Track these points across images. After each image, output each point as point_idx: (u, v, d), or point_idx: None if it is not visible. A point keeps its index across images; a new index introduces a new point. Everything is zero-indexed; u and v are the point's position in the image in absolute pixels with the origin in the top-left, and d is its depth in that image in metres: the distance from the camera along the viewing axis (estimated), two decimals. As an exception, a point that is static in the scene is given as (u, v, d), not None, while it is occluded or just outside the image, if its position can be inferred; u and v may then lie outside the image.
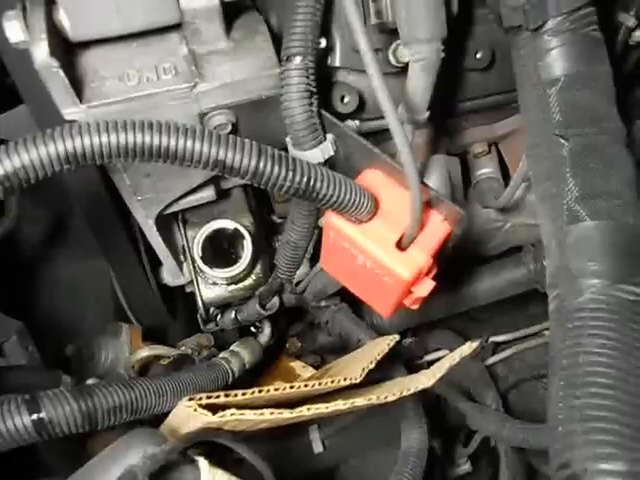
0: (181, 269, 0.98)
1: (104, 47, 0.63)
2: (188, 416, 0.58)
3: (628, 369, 0.46)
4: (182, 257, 0.96)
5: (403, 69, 0.70)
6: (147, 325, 1.10)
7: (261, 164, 0.53)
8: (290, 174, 0.55)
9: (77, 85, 0.60)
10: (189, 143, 0.51)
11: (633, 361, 0.47)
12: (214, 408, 0.57)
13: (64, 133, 0.48)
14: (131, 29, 0.61)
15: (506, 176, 0.98)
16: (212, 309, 1.02)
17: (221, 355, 0.92)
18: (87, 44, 0.62)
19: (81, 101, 0.61)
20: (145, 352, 1.07)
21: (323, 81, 0.72)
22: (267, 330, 1.02)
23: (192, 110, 0.65)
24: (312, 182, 0.56)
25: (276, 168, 0.54)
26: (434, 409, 1.07)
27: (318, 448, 0.98)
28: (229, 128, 0.67)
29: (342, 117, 0.74)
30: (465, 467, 1.07)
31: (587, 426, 0.44)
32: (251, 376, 1.04)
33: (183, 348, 1.10)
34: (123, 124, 0.50)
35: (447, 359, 0.66)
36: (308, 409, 0.57)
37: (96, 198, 0.83)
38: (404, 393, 0.61)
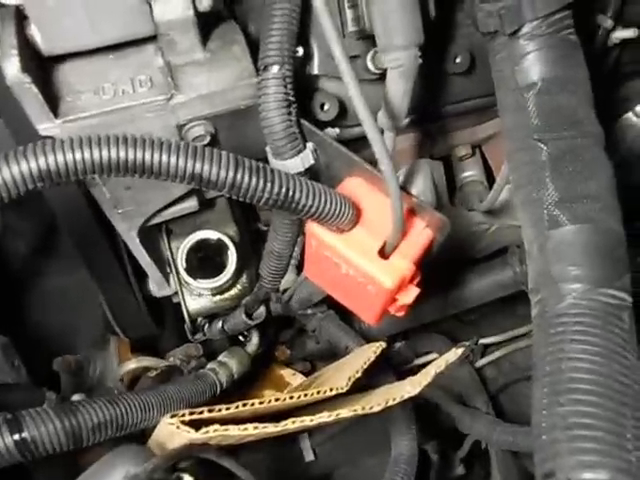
0: (167, 280, 0.97)
1: (78, 61, 0.62)
2: (171, 433, 0.58)
3: (611, 374, 0.46)
4: (168, 268, 0.95)
5: (382, 75, 0.69)
6: (134, 337, 1.09)
7: (238, 176, 0.53)
8: (268, 185, 0.54)
9: (52, 100, 0.60)
10: (164, 157, 0.50)
11: (616, 366, 0.46)
12: (198, 424, 0.56)
13: (37, 151, 0.48)
14: (105, 42, 0.60)
15: (491, 178, 0.98)
16: (199, 319, 1.01)
17: (209, 366, 0.92)
18: (61, 58, 0.61)
19: (56, 116, 0.60)
20: (133, 364, 1.06)
21: (302, 89, 0.71)
22: (255, 339, 1.01)
23: (169, 122, 0.64)
24: (291, 193, 0.56)
25: (254, 180, 0.54)
26: (426, 412, 1.07)
27: (309, 456, 0.97)
28: (208, 139, 0.66)
29: (323, 125, 0.74)
30: (458, 470, 1.07)
31: (571, 434, 0.43)
32: (240, 385, 1.03)
33: (172, 359, 1.09)
34: (97, 140, 0.49)
35: (432, 366, 0.65)
36: (293, 422, 0.57)
37: (77, 211, 0.82)
38: (389, 403, 0.61)
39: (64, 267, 1.22)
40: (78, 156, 0.48)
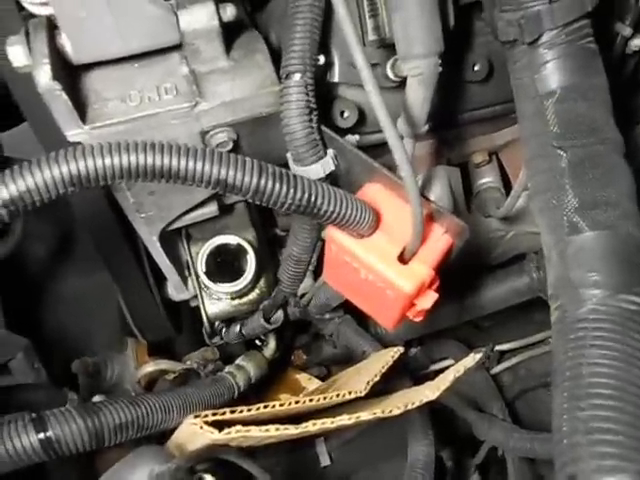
0: (186, 284, 0.98)
1: (106, 69, 0.64)
2: (194, 433, 0.59)
3: (631, 380, 0.46)
4: (187, 272, 0.96)
5: (401, 83, 0.70)
6: (152, 340, 1.11)
7: (262, 182, 0.54)
8: (291, 191, 0.55)
9: (80, 107, 0.61)
10: (191, 163, 0.52)
11: (636, 371, 0.47)
12: (220, 425, 0.57)
13: (68, 156, 0.49)
14: (132, 51, 0.62)
15: (507, 185, 0.98)
16: (217, 323, 1.03)
17: (227, 369, 0.93)
18: (89, 66, 0.63)
19: (84, 123, 0.62)
20: (150, 367, 1.07)
21: (323, 97, 0.72)
22: (272, 343, 1.02)
23: (193, 129, 0.65)
24: (313, 199, 0.57)
25: (277, 186, 0.55)
26: (442, 418, 1.07)
27: (325, 461, 0.98)
28: (230, 145, 0.67)
29: (342, 132, 0.75)
30: (473, 477, 1.06)
31: (592, 438, 0.44)
32: (257, 389, 1.04)
33: (188, 362, 1.11)
34: (126, 146, 0.50)
35: (451, 371, 0.66)
36: (314, 424, 0.57)
37: (99, 215, 0.84)
38: (409, 407, 0.61)
39: (82, 270, 1.24)
40: (108, 162, 0.50)
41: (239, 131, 0.68)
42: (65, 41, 0.59)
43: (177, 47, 0.65)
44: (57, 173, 0.49)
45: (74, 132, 0.61)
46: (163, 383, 1.05)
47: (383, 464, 0.98)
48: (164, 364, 1.10)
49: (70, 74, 0.62)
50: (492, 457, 1.06)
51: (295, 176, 0.57)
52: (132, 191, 0.72)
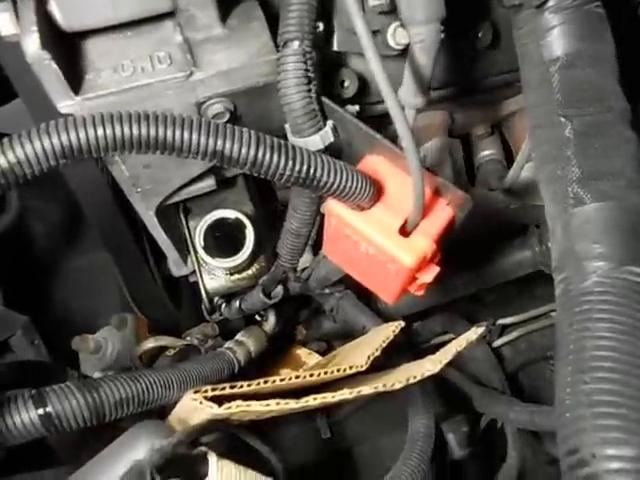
0: (185, 259, 0.97)
1: (98, 38, 0.62)
2: (194, 408, 0.58)
3: (635, 352, 0.45)
4: (185, 247, 0.95)
5: (402, 52, 0.68)
6: (152, 316, 1.10)
7: (260, 153, 0.53)
8: (290, 163, 0.54)
9: (71, 77, 0.59)
10: (186, 134, 0.50)
11: (640, 343, 0.46)
12: (220, 400, 0.57)
13: (59, 127, 0.48)
14: (124, 18, 0.60)
15: (509, 158, 0.97)
16: (217, 299, 1.02)
17: (226, 345, 0.92)
18: (80, 35, 0.61)
19: (76, 93, 0.60)
20: (150, 343, 1.07)
21: (322, 66, 0.70)
22: (272, 318, 1.02)
23: (189, 99, 0.64)
24: (312, 170, 0.55)
25: (275, 157, 0.53)
26: (442, 391, 1.07)
27: (326, 434, 0.98)
28: (227, 116, 0.66)
29: (343, 102, 0.73)
30: (474, 449, 1.07)
31: (595, 411, 0.43)
32: (257, 364, 1.04)
33: (188, 338, 1.10)
34: (119, 116, 0.49)
35: (453, 344, 0.65)
36: (314, 399, 0.57)
37: (95, 191, 0.83)
38: (410, 381, 0.61)
39: (83, 248, 1.24)
40: (100, 132, 0.48)
41: (236, 101, 0.66)
42: (54, 8, 0.57)
43: (171, 14, 0.63)
44: (48, 144, 0.47)
45: (65, 103, 0.59)
46: (163, 359, 1.05)
47: (384, 437, 0.98)
48: (164, 340, 1.09)
49: (60, 43, 0.60)
50: (493, 429, 1.06)
51: (294, 147, 0.55)
52: (127, 164, 0.71)
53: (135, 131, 0.49)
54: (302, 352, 1.10)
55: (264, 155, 0.53)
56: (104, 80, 0.61)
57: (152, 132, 0.49)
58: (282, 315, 1.07)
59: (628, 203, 0.52)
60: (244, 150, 0.52)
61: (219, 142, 0.51)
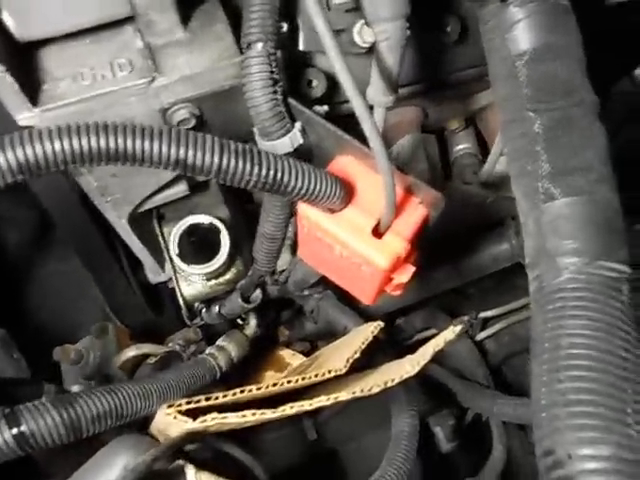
0: (163, 266, 0.96)
1: (55, 46, 0.60)
2: (169, 423, 0.57)
3: (611, 349, 0.45)
4: (161, 254, 0.94)
5: (371, 49, 0.67)
6: (132, 324, 1.09)
7: (224, 160, 0.51)
8: (255, 168, 0.53)
9: (29, 89, 0.58)
10: (146, 144, 0.49)
11: (616, 341, 0.46)
12: (195, 412, 0.56)
13: (14, 142, 0.46)
14: (81, 25, 0.58)
15: (484, 151, 0.96)
16: (197, 304, 1.01)
17: (207, 351, 0.91)
18: (37, 44, 0.59)
19: (35, 105, 0.58)
20: (132, 352, 1.05)
21: (289, 66, 0.69)
22: (253, 322, 1.01)
23: (152, 106, 0.62)
24: (279, 175, 0.54)
25: (240, 163, 0.52)
26: (428, 386, 1.07)
27: (312, 435, 0.97)
28: (193, 122, 0.64)
29: (312, 102, 0.72)
30: (460, 442, 1.07)
31: (570, 410, 0.43)
32: (241, 367, 1.03)
33: (171, 344, 1.09)
34: (76, 128, 0.47)
35: (431, 345, 0.65)
36: (291, 407, 0.56)
37: (65, 201, 0.81)
38: (389, 384, 0.60)
39: (60, 256, 1.21)
40: (57, 146, 0.47)
41: (202, 106, 0.65)
42: (7, 18, 0.55)
43: (130, 19, 0.61)
44: (3, 161, 0.46)
45: (24, 116, 0.58)
46: (144, 368, 1.03)
47: (370, 436, 0.98)
48: (146, 348, 1.08)
49: (15, 54, 0.58)
50: (478, 422, 1.06)
51: (260, 152, 0.54)
52: (94, 175, 0.69)
53: (93, 143, 0.47)
54: (286, 353, 1.10)
55: (228, 162, 0.51)
56: (63, 90, 0.59)
57: (111, 143, 0.48)
58: (264, 318, 1.06)
59: (599, 197, 0.52)
60: (207, 158, 0.51)
61: (181, 150, 0.50)
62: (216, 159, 0.51)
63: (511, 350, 1.13)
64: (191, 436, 0.59)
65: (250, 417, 0.54)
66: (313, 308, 0.97)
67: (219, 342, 0.94)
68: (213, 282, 0.88)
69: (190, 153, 0.50)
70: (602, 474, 0.40)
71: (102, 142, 0.48)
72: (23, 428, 0.61)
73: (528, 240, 0.54)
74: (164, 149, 0.49)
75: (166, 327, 1.16)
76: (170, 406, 0.57)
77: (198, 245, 0.89)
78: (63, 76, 0.59)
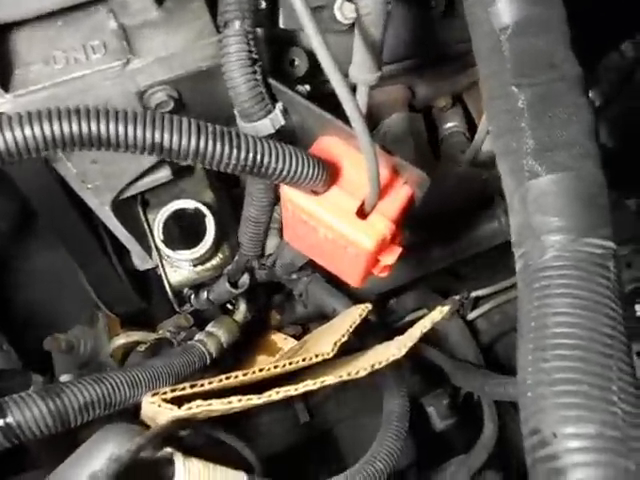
0: (150, 253, 0.95)
1: (25, 29, 0.58)
2: (156, 411, 0.57)
3: (597, 327, 0.44)
4: (148, 240, 0.93)
5: (352, 26, 0.66)
6: (121, 312, 1.08)
7: (202, 143, 0.50)
8: (235, 151, 0.52)
9: (0, 74, 0.56)
10: (120, 128, 0.47)
11: (602, 319, 0.45)
12: (181, 400, 0.55)
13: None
14: (51, 7, 0.56)
15: (473, 129, 0.95)
16: (185, 290, 1.00)
17: (196, 337, 0.91)
18: (6, 27, 0.57)
19: (6, 91, 0.57)
20: (122, 339, 1.05)
21: (270, 45, 0.68)
22: (242, 307, 1.00)
23: (128, 89, 0.61)
24: (259, 157, 0.53)
25: (218, 146, 0.51)
26: (420, 366, 1.07)
27: (305, 417, 0.97)
28: (171, 105, 0.63)
29: (294, 82, 0.70)
30: (453, 420, 1.07)
31: (556, 389, 0.42)
32: (232, 353, 1.03)
33: (161, 331, 1.09)
34: (47, 114, 0.46)
35: (418, 327, 0.64)
36: (277, 392, 0.56)
37: (46, 189, 0.79)
38: (376, 367, 0.60)
39: (48, 245, 1.20)
40: (28, 132, 0.46)
41: (180, 88, 0.63)
42: (-26, 0, 0.53)
43: (103, 0, 0.59)
44: (-29, 149, 0.44)
45: (-4, 102, 0.56)
46: (135, 355, 1.03)
47: (362, 417, 0.98)
48: (136, 335, 1.07)
49: (-16, 38, 0.56)
50: (470, 401, 1.07)
51: (238, 135, 0.53)
52: (72, 161, 0.68)
53: (66, 128, 0.46)
54: (277, 337, 1.09)
55: (206, 145, 0.50)
56: (35, 74, 0.57)
57: (84, 128, 0.46)
58: (254, 302, 1.05)
59: (584, 172, 0.51)
60: (184, 141, 0.49)
61: (157, 134, 0.48)
62: (193, 142, 0.50)
63: (502, 329, 1.12)
64: (178, 423, 0.59)
65: (236, 403, 0.54)
66: (302, 292, 0.96)
67: (208, 328, 0.93)
68: (200, 268, 0.87)
69: (166, 136, 0.49)
70: (587, 452, 0.39)
71: (74, 127, 0.46)
72: (9, 419, 0.60)
73: (513, 218, 0.53)
74: (139, 133, 0.48)
75: (157, 314, 1.15)
76: (155, 394, 0.56)
77: (184, 231, 0.88)
78: (35, 60, 0.58)
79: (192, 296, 1.00)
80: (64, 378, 0.98)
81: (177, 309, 1.02)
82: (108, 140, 0.48)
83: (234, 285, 0.88)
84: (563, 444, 0.40)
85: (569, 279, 0.47)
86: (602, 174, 0.50)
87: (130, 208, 0.88)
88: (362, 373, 0.59)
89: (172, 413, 0.54)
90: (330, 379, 0.57)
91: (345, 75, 0.53)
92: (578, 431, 0.40)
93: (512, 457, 1.05)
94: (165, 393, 0.56)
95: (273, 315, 1.14)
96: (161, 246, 0.82)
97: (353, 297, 0.97)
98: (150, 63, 0.59)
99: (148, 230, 0.86)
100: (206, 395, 0.57)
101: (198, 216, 0.84)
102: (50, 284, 1.22)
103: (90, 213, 0.89)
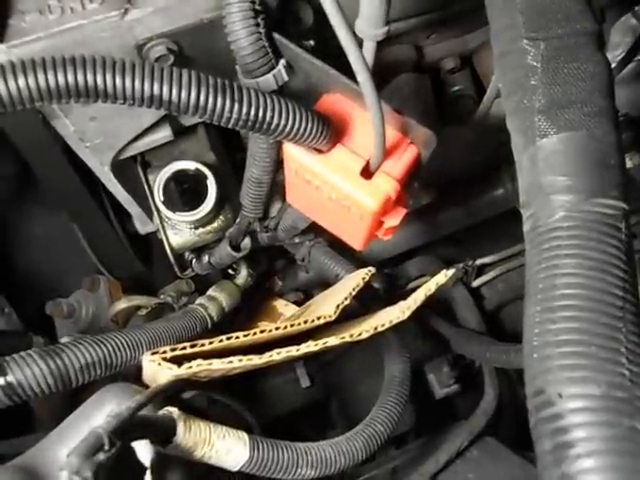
0: (150, 215, 0.94)
1: (18, -24, 0.56)
2: (156, 371, 0.56)
3: (606, 288, 0.43)
4: (149, 203, 0.91)
5: (359, -21, 0.63)
6: (122, 277, 1.07)
7: (202, 96, 0.48)
8: (236, 105, 0.50)
9: (-7, 23, 0.54)
10: (118, 79, 0.46)
11: (612, 280, 0.44)
12: (181, 360, 0.54)
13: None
14: (45, -49, 0.54)
15: (482, 93, 0.93)
16: (187, 254, 0.99)
17: (198, 301, 0.90)
18: (-1, -26, 0.55)
19: (1, 41, 0.55)
20: (123, 304, 1.05)
21: (274, -2, 0.65)
22: (244, 271, 0.99)
23: (127, 41, 0.58)
24: (261, 112, 0.51)
25: (219, 100, 0.49)
26: (422, 332, 1.07)
27: (305, 383, 0.97)
28: (171, 59, 0.61)
29: (300, 37, 0.68)
30: (453, 388, 1.08)
31: (562, 350, 0.42)
32: (234, 317, 1.02)
33: (162, 296, 1.08)
34: (42, 63, 0.44)
35: (422, 290, 0.63)
36: (278, 353, 0.55)
37: (44, 150, 0.78)
38: (379, 329, 0.59)
39: (50, 210, 1.19)
40: (22, 83, 0.44)
41: (180, 42, 0.61)
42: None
43: (99, -54, 0.57)
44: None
45: (-11, 52, 0.54)
46: (136, 319, 1.03)
47: (363, 383, 0.98)
48: (137, 300, 1.07)
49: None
50: (471, 368, 1.07)
51: (240, 88, 0.51)
52: (71, 118, 0.66)
53: (61, 79, 0.44)
54: (279, 304, 1.09)
55: (207, 98, 0.48)
56: (30, 24, 0.55)
57: (79, 78, 0.45)
58: (256, 267, 1.05)
59: (597, 132, 0.49)
60: (184, 93, 0.48)
61: (155, 86, 0.47)
62: (193, 95, 0.48)
63: (506, 297, 1.12)
64: (178, 383, 0.58)
65: (237, 363, 0.53)
66: (304, 256, 0.95)
67: (210, 292, 0.93)
68: (201, 230, 0.86)
69: (165, 88, 0.47)
70: (592, 412, 0.39)
71: (70, 77, 0.45)
72: (10, 378, 0.60)
73: (522, 178, 0.52)
74: (137, 84, 0.46)
75: (159, 279, 1.15)
76: (155, 353, 0.56)
77: (185, 193, 0.86)
78: (29, 9, 0.56)
79: (193, 260, 0.99)
80: (65, 340, 0.98)
81: (178, 273, 1.01)
82: (105, 91, 0.46)
83: (236, 248, 0.87)
84: (568, 404, 0.39)
85: (579, 240, 0.46)
86: (616, 133, 0.49)
87: (130, 169, 0.86)
88: (364, 335, 0.58)
89: (172, 372, 0.53)
90: (332, 340, 0.57)
91: (352, 31, 0.51)
92: (583, 391, 0.39)
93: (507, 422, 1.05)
94: (165, 352, 0.55)
95: (275, 281, 1.14)
96: (161, 208, 0.81)
97: (356, 264, 0.96)
98: (149, 14, 0.57)
99: (148, 192, 0.85)
100: (207, 356, 0.56)
101: (199, 177, 0.82)
102: (51, 249, 1.22)
103: (91, 175, 0.88)
